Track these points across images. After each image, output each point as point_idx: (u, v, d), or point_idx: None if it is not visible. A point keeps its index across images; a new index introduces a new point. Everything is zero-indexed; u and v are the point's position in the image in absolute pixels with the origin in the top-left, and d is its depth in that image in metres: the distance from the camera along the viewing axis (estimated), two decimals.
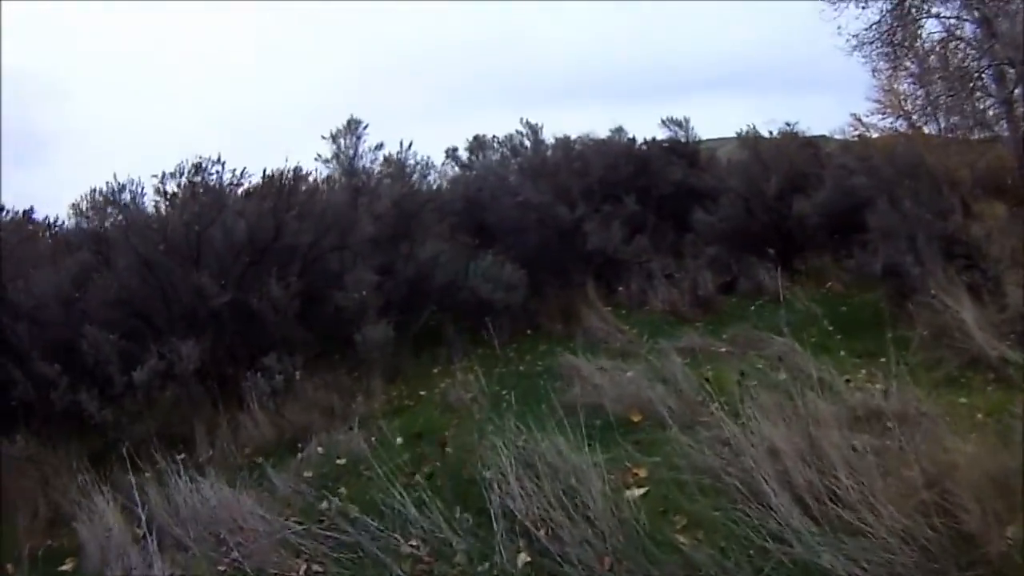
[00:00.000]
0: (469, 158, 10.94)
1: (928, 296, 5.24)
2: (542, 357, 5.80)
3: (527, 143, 10.26)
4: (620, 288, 7.15)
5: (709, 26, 32.94)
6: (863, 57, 11.31)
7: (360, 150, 8.43)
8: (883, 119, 14.65)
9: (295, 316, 5.73)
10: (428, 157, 9.11)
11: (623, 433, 3.79)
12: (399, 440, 4.28)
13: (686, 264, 7.34)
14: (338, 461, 4.12)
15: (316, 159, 8.56)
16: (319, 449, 4.39)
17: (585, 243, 7.17)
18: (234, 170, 5.96)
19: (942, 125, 12.98)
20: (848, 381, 4.19)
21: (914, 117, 13.74)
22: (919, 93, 12.93)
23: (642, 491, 3.10)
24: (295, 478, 3.96)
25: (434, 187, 9.48)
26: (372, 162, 8.40)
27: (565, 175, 8.15)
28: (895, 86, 13.67)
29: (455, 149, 11.01)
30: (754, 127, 9.51)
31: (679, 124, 10.58)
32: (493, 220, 7.68)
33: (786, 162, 8.14)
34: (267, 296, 5.58)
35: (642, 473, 3.30)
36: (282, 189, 5.85)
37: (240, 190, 6.22)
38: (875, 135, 13.95)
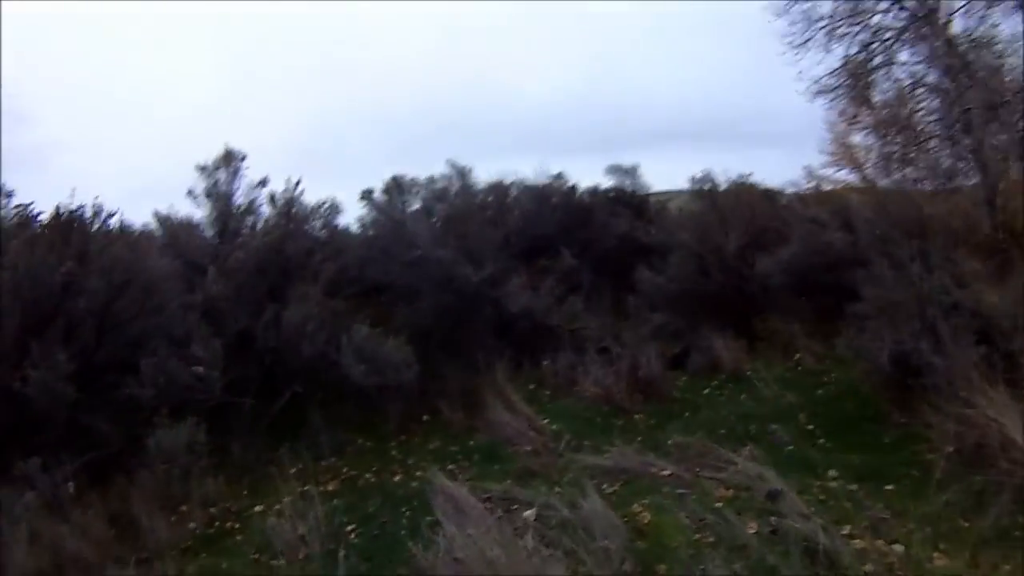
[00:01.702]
0: (386, 202, 9.59)
1: (954, 398, 3.80)
2: (427, 461, 4.47)
3: (454, 186, 8.96)
4: (545, 362, 5.86)
5: (656, 78, 32.92)
6: (826, 103, 10.96)
7: (237, 186, 7.08)
8: (837, 172, 14.60)
9: (75, 404, 4.35)
10: (333, 197, 7.58)
11: None
12: None
13: (625, 334, 6.12)
14: None
15: (188, 195, 7.20)
16: None
17: (498, 310, 5.99)
18: (20, 206, 4.62)
19: (895, 177, 12.84)
20: (852, 538, 2.97)
21: (867, 169, 13.64)
22: (874, 145, 12.79)
23: None
24: None
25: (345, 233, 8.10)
26: (252, 201, 7.06)
27: (479, 225, 7.02)
28: (849, 138, 13.58)
29: (371, 191, 9.44)
30: (710, 176, 8.37)
31: (627, 172, 9.77)
32: (387, 278, 6.43)
33: (747, 214, 7.12)
34: (32, 378, 4.22)
35: None
36: (67, 234, 4.49)
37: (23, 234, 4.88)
38: (827, 187, 13.86)
